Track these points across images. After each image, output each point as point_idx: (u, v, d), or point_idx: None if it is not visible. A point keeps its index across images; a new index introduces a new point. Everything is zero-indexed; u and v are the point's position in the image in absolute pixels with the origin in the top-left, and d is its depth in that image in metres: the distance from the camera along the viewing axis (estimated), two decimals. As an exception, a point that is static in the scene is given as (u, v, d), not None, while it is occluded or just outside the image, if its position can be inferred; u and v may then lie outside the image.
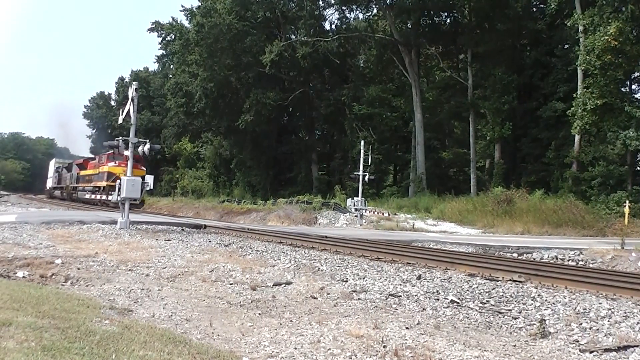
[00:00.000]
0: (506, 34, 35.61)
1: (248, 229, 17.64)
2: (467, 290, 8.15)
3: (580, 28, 25.66)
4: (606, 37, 22.13)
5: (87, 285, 7.42)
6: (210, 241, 13.46)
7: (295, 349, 4.96)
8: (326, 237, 16.14)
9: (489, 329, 6.20)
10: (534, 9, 38.77)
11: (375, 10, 43.25)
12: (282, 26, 44.12)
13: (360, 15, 45.30)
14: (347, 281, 8.66)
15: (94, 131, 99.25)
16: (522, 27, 36.29)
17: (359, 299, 7.40)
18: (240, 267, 9.39)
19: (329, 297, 7.43)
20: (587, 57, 23.58)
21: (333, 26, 45.62)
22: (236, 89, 44.06)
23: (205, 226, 17.42)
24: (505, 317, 6.70)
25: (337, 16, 44.94)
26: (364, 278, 8.97)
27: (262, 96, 40.71)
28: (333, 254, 12.18)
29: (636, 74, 30.49)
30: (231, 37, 39.86)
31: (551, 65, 33.80)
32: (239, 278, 8.48)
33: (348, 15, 44.78)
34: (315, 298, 7.31)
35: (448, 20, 41.34)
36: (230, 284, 8.01)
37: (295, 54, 39.02)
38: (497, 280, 9.01)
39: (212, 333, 5.37)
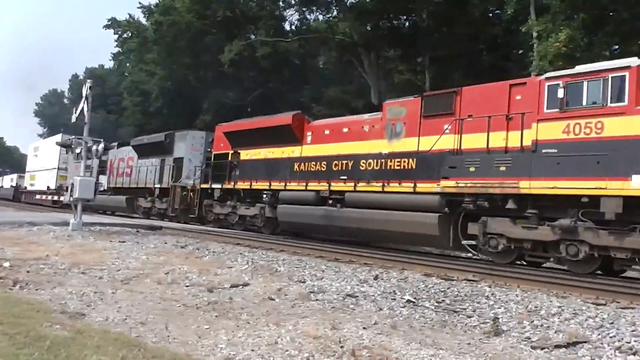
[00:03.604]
0: (464, 38, 36.31)
1: (205, 230, 17.44)
2: (423, 289, 8.28)
3: (535, 34, 26.40)
4: (557, 44, 22.85)
5: (37, 289, 7.17)
6: (166, 243, 13.27)
7: (253, 350, 4.94)
8: (284, 237, 16.04)
9: (444, 327, 6.30)
10: (491, 15, 39.69)
11: (335, 12, 43.46)
12: (242, 26, 43.82)
13: (321, 17, 45.44)
14: (304, 282, 8.67)
15: (46, 130, 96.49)
16: (479, 32, 37.08)
17: (316, 299, 7.41)
18: (197, 269, 9.28)
19: (286, 298, 7.42)
20: (540, 62, 24.26)
21: (293, 27, 45.62)
22: (194, 88, 43.58)
23: (162, 227, 17.14)
24: (460, 315, 6.83)
25: (298, 17, 44.97)
26: (321, 279, 9.00)
27: (221, 96, 40.41)
28: (291, 254, 12.16)
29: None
30: (190, 36, 39.42)
31: (507, 69, 34.62)
32: (196, 280, 8.38)
33: (308, 16, 44.82)
34: (272, 299, 7.28)
35: (407, 24, 41.88)
36: (187, 286, 7.90)
37: (254, 54, 38.86)
38: (453, 280, 9.18)
39: (168, 336, 5.29)
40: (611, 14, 21.36)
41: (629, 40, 20.89)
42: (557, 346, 5.54)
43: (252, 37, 43.04)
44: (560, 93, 10.44)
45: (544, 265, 11.64)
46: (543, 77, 11.07)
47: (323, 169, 15.45)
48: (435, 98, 13.58)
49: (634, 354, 5.33)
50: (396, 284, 8.67)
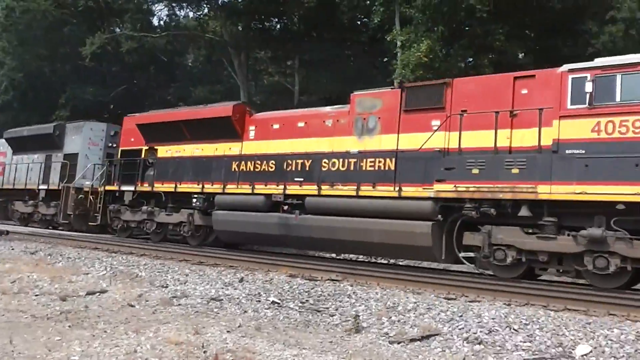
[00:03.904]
0: (333, 43, 37.43)
1: (59, 234, 16.21)
2: (288, 290, 8.42)
3: (398, 44, 27.89)
4: (419, 54, 24.37)
5: None
6: (13, 249, 12.25)
7: (109, 361, 4.73)
8: (147, 240, 15.42)
9: (308, 327, 6.47)
10: (359, 22, 41.32)
11: (206, 10, 42.72)
12: (105, 18, 41.56)
13: (191, 14, 44.44)
14: (167, 287, 8.48)
15: None
16: (347, 38, 38.44)
17: (179, 304, 7.28)
18: (49, 276, 8.68)
19: (147, 304, 7.20)
20: (403, 71, 25.71)
21: (162, 22, 44.17)
22: (50, 81, 40.59)
23: (8, 232, 15.67)
24: (323, 315, 7.04)
25: (167, 12, 43.61)
26: (185, 283, 8.85)
27: (80, 91, 38.04)
28: (153, 259, 11.75)
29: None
30: (47, 25, 36.68)
31: (372, 76, 36.22)
32: (47, 288, 7.84)
33: (178, 12, 43.67)
34: (132, 306, 7.04)
35: (278, 26, 42.31)
36: (36, 295, 7.37)
37: (119, 49, 37.05)
38: (316, 280, 9.42)
39: (13, 351, 4.90)
40: (467, 28, 23.31)
41: (481, 54, 22.90)
42: (412, 340, 5.93)
43: (117, 30, 41.08)
44: (589, 87, 9.02)
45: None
46: (565, 68, 9.57)
47: (271, 169, 13.10)
48: (420, 90, 11.62)
49: (479, 343, 5.84)
50: (261, 286, 8.72)
